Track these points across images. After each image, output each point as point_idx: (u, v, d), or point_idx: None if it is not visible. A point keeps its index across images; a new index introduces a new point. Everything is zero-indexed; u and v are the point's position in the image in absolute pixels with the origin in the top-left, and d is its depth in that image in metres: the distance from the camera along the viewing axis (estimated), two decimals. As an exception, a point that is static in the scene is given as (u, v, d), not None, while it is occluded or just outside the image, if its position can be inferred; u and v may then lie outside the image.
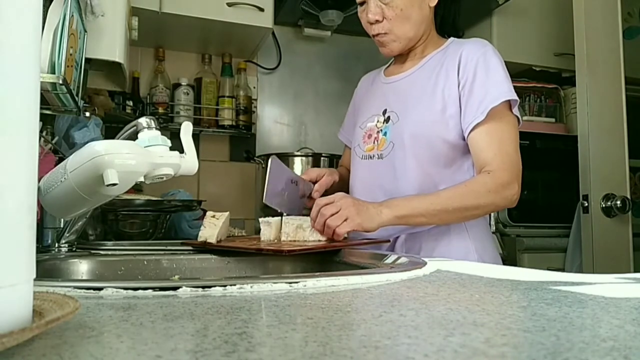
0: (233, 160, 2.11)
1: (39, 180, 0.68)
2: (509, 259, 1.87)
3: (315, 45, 2.28)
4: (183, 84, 1.95)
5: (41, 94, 0.75)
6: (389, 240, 1.08)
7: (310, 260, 0.98)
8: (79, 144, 1.22)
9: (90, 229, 1.27)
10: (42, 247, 0.96)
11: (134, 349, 0.29)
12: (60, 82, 0.88)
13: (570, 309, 0.40)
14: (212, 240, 0.96)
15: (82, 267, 0.89)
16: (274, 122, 2.21)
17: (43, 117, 1.16)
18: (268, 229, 1.00)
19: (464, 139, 1.08)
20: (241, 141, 2.10)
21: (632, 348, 0.29)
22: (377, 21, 1.11)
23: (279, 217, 1.01)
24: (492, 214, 1.88)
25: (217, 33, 1.87)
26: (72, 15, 0.94)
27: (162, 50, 1.98)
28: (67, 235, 0.94)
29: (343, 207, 0.95)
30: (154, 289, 0.48)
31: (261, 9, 1.76)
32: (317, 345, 0.30)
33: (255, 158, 1.97)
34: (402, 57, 1.21)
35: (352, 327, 0.36)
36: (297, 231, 0.98)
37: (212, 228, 0.97)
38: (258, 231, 1.04)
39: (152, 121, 0.77)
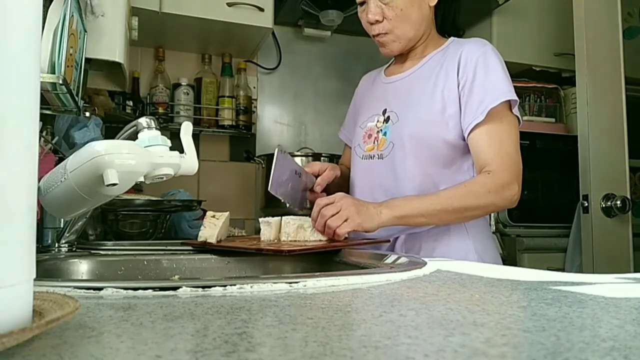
0: (233, 160, 2.11)
1: (39, 180, 0.68)
2: (509, 259, 1.87)
3: (315, 45, 2.28)
4: (183, 84, 1.95)
5: (41, 94, 0.75)
6: (388, 241, 1.08)
7: (310, 260, 0.99)
8: (79, 144, 1.22)
9: (90, 229, 1.27)
10: (42, 247, 0.96)
11: (134, 349, 0.29)
12: (60, 82, 0.88)
13: (570, 309, 0.40)
14: (212, 240, 0.96)
15: (82, 267, 0.89)
16: (274, 122, 2.21)
17: (43, 117, 1.16)
18: (268, 229, 1.00)
19: (464, 139, 1.08)
20: (241, 141, 2.10)
21: (632, 348, 0.29)
22: (377, 21, 1.11)
23: (279, 217, 1.01)
24: (492, 214, 1.88)
25: (217, 33, 1.87)
26: (72, 15, 0.94)
27: (162, 50, 1.98)
28: (67, 235, 0.94)
29: (343, 208, 0.96)
30: (154, 289, 0.48)
31: (261, 9, 1.76)
32: (317, 345, 0.30)
33: (255, 158, 1.96)
34: (402, 57, 1.21)
35: (352, 327, 0.36)
36: (298, 231, 0.98)
37: (212, 228, 0.97)
38: (258, 231, 1.05)
39: (152, 121, 0.77)
